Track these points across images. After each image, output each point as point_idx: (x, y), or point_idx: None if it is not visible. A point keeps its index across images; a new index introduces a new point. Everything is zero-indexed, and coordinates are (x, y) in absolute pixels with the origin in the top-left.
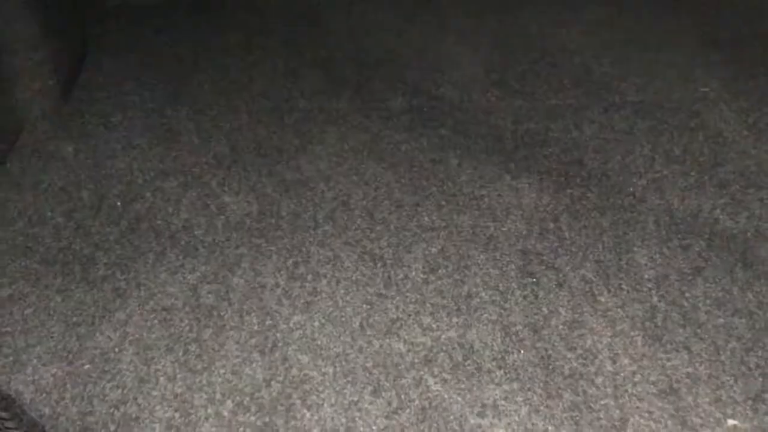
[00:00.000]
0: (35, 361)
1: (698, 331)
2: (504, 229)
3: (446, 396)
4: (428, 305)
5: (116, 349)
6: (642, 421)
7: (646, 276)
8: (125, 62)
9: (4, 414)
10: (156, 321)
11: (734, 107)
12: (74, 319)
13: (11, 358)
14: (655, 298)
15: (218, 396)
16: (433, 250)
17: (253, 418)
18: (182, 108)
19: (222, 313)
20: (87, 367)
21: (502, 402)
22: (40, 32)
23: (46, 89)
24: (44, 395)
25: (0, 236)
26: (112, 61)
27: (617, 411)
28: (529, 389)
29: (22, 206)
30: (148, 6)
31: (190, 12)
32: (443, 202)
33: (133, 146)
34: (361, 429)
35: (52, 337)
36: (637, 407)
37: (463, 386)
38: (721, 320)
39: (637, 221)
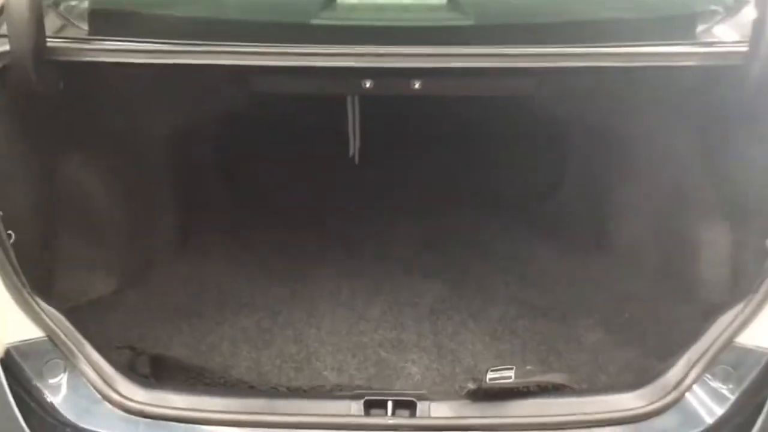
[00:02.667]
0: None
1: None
2: (415, 301)
3: (382, 353)
4: (379, 323)
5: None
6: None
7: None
8: (213, 230)
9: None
10: (245, 306)
11: (548, 243)
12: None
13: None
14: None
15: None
16: (381, 298)
17: (278, 330)
18: (246, 255)
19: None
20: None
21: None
22: (175, 205)
23: (169, 240)
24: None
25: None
26: (204, 229)
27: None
28: (420, 340)
29: (158, 291)
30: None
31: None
32: (386, 288)
33: (219, 265)
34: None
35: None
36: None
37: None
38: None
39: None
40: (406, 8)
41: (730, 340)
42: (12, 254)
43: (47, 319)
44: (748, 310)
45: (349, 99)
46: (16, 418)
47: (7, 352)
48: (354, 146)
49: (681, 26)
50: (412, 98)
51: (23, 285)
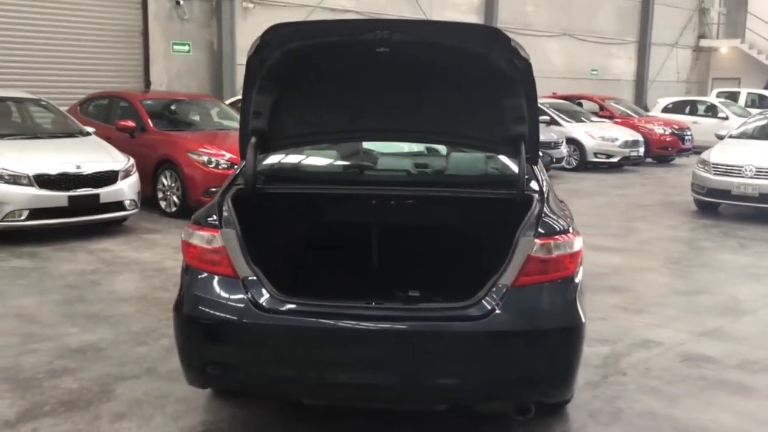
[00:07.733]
0: None
1: None
2: None
3: None
4: None
5: None
6: None
7: None
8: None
9: None
10: None
11: None
12: None
13: None
14: None
15: None
16: None
17: None
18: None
19: None
20: None
21: None
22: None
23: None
24: None
25: None
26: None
27: None
28: None
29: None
30: None
31: None
32: None
33: None
34: None
35: None
36: None
37: None
38: None
39: None
40: (389, 176)
41: (496, 281)
42: (245, 248)
43: (254, 268)
44: (501, 270)
45: (372, 229)
46: (249, 302)
47: (242, 279)
48: (375, 258)
49: (498, 184)
50: (405, 230)
51: (246, 257)
